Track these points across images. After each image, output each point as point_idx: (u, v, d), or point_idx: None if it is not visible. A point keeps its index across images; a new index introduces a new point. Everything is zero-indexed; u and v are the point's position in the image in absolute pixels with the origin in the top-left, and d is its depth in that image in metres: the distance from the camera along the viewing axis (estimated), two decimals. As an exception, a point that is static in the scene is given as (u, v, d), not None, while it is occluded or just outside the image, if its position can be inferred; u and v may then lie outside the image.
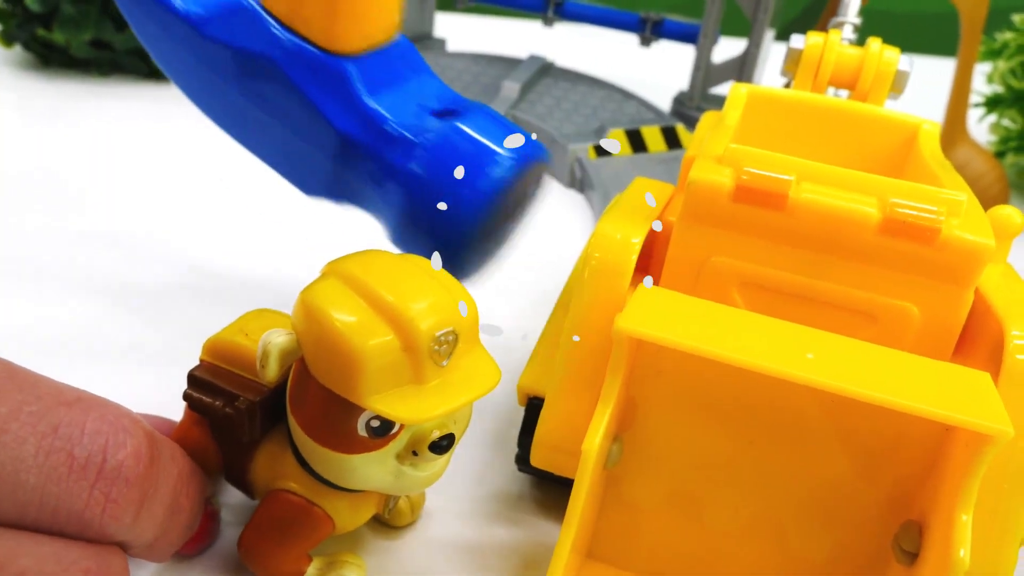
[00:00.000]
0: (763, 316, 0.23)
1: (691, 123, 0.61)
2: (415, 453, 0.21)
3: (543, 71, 0.63)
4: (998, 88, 0.61)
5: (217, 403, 0.24)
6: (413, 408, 0.20)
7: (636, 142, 0.55)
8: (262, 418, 0.24)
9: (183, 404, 0.25)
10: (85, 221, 0.44)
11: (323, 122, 0.28)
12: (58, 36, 0.60)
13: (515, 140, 0.26)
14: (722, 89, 0.64)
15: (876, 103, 0.31)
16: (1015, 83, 0.58)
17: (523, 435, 0.28)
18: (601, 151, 0.54)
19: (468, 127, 0.27)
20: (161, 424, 0.25)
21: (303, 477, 0.23)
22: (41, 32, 0.60)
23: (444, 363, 0.21)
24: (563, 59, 0.67)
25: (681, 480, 0.25)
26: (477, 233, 0.27)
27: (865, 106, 0.31)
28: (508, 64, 0.64)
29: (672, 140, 0.56)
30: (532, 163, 0.28)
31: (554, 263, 0.42)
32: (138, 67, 0.63)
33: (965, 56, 0.53)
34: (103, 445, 0.19)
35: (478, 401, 0.34)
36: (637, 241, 0.24)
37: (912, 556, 0.22)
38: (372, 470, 0.22)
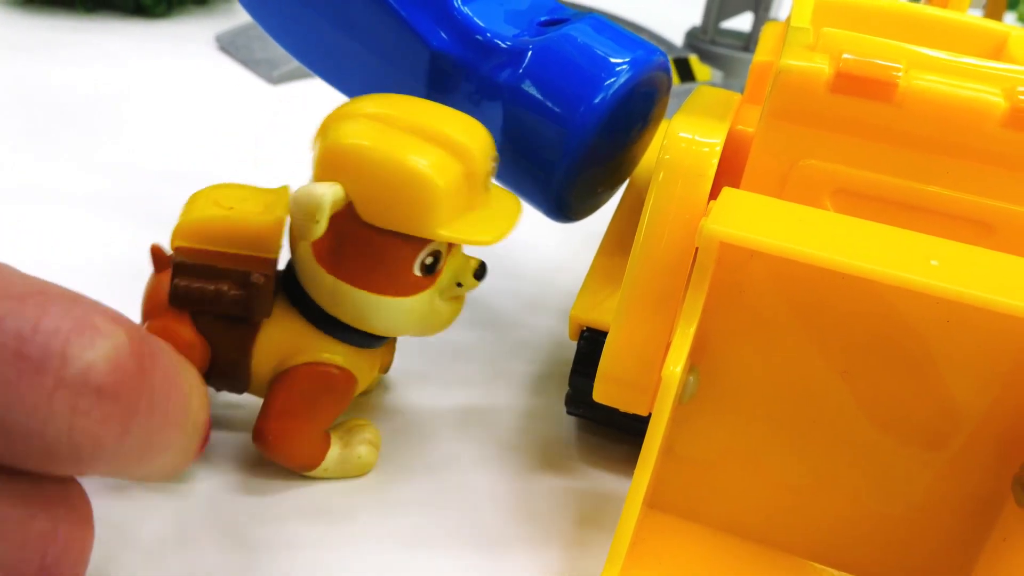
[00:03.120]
0: (871, 222, 0.20)
1: (704, 57, 0.58)
2: (460, 285, 0.22)
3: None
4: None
5: (223, 287, 0.21)
6: (483, 230, 0.20)
7: (647, 74, 0.53)
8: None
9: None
10: (74, 159, 0.40)
11: (414, 39, 0.24)
12: (38, -32, 0.56)
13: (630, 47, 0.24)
14: (736, 23, 0.61)
15: (958, 10, 0.28)
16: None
17: (575, 373, 0.25)
18: None
19: (576, 35, 0.24)
20: None
21: (331, 344, 0.22)
22: (20, -36, 0.56)
23: (488, 188, 0.21)
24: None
25: (759, 419, 0.22)
26: (589, 157, 0.24)
27: (947, 12, 0.28)
28: None
29: (685, 72, 0.53)
30: (651, 71, 0.24)
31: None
32: (124, 2, 0.59)
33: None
34: (62, 344, 0.14)
35: (517, 343, 0.31)
36: (717, 141, 0.21)
37: (1040, 496, 0.19)
38: (421, 309, 0.22)
